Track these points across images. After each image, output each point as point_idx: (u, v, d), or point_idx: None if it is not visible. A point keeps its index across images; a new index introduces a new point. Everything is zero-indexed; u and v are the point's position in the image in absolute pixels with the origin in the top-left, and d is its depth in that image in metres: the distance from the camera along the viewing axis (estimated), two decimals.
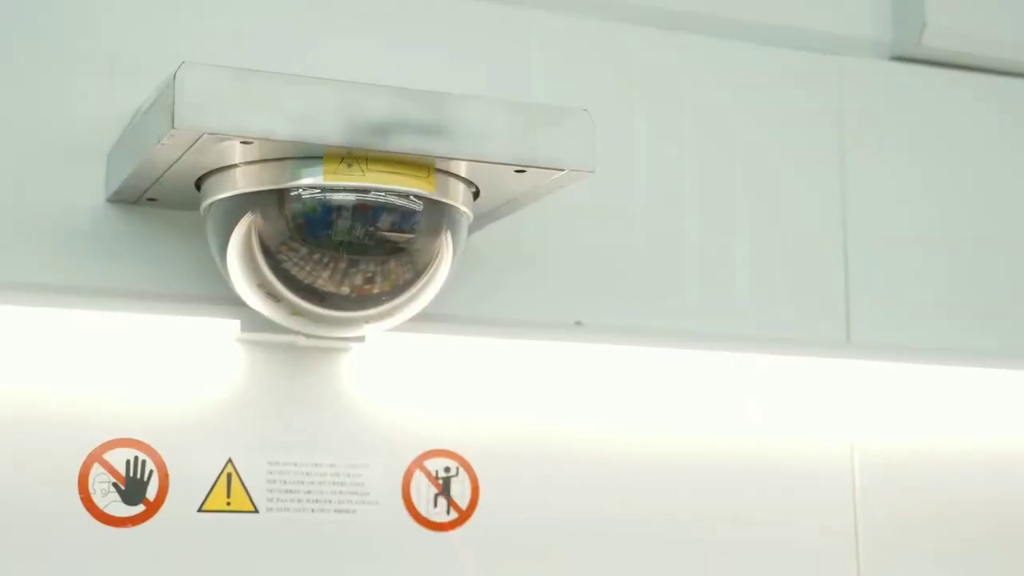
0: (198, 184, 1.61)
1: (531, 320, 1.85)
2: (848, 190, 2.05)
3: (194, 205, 1.63)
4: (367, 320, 1.66)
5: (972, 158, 2.13)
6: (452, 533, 1.78)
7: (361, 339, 1.75)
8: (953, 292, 2.07)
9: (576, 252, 1.90)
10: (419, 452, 1.79)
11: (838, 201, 2.04)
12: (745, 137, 2.02)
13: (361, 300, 1.61)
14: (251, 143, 1.47)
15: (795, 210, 2.02)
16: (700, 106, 2.00)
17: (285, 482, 1.72)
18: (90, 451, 1.65)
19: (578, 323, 1.88)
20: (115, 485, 1.65)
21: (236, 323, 1.69)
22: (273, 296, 1.61)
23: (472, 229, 1.80)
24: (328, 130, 1.47)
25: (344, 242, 1.56)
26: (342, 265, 1.57)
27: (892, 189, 2.07)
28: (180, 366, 1.71)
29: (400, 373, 1.80)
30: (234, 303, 1.66)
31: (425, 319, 1.74)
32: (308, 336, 1.72)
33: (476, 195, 1.66)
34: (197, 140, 1.44)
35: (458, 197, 1.61)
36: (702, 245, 1.96)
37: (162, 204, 1.69)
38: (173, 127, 1.41)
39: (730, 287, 1.96)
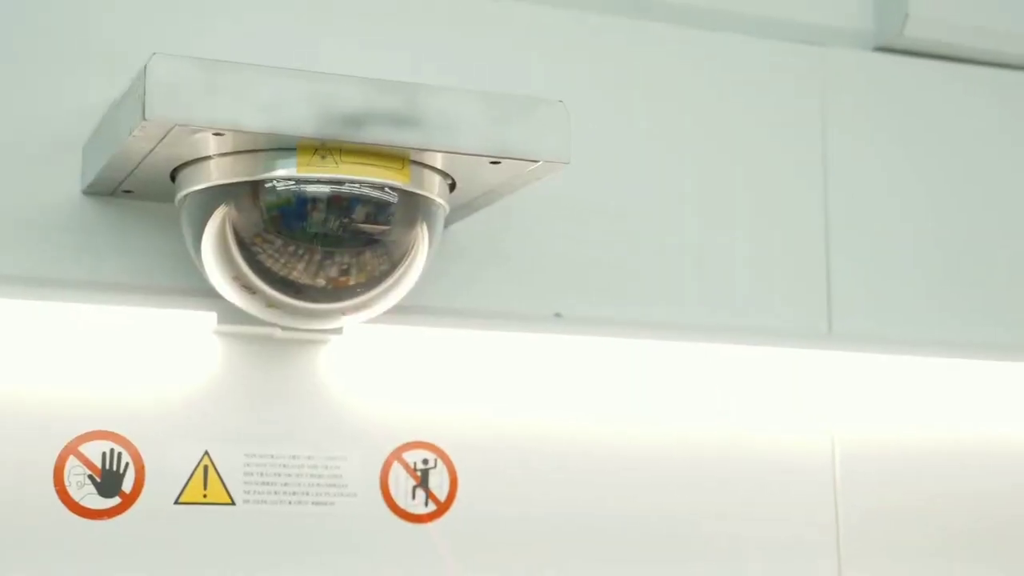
0: (173, 176, 1.61)
1: (510, 312, 1.85)
2: (831, 181, 2.04)
3: (170, 197, 1.63)
4: (344, 312, 1.65)
5: (956, 149, 2.12)
6: (430, 525, 1.78)
7: (339, 331, 1.75)
8: (935, 283, 2.06)
9: (555, 244, 1.89)
10: (397, 444, 1.79)
11: (820, 192, 2.03)
12: (727, 128, 2.01)
13: (337, 292, 1.61)
14: (223, 135, 1.47)
15: (777, 201, 2.02)
16: (682, 97, 2.00)
17: (262, 474, 1.72)
18: (66, 443, 1.64)
19: (557, 315, 1.88)
20: (91, 477, 1.65)
21: (213, 315, 1.69)
22: (248, 288, 1.61)
23: (450, 221, 1.80)
24: (300, 121, 1.46)
25: (319, 234, 1.56)
26: (317, 257, 1.57)
27: (875, 180, 2.07)
28: (156, 358, 1.70)
29: (378, 365, 1.80)
30: (210, 295, 1.65)
31: (404, 311, 1.74)
32: (285, 328, 1.72)
33: (452, 187, 1.66)
34: (168, 132, 1.44)
35: (433, 189, 1.61)
36: (682, 236, 1.96)
37: (138, 196, 1.68)
38: (144, 119, 1.40)
39: (710, 278, 1.96)
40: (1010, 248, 2.12)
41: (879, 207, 2.06)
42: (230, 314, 1.68)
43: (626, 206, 1.94)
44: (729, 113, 2.02)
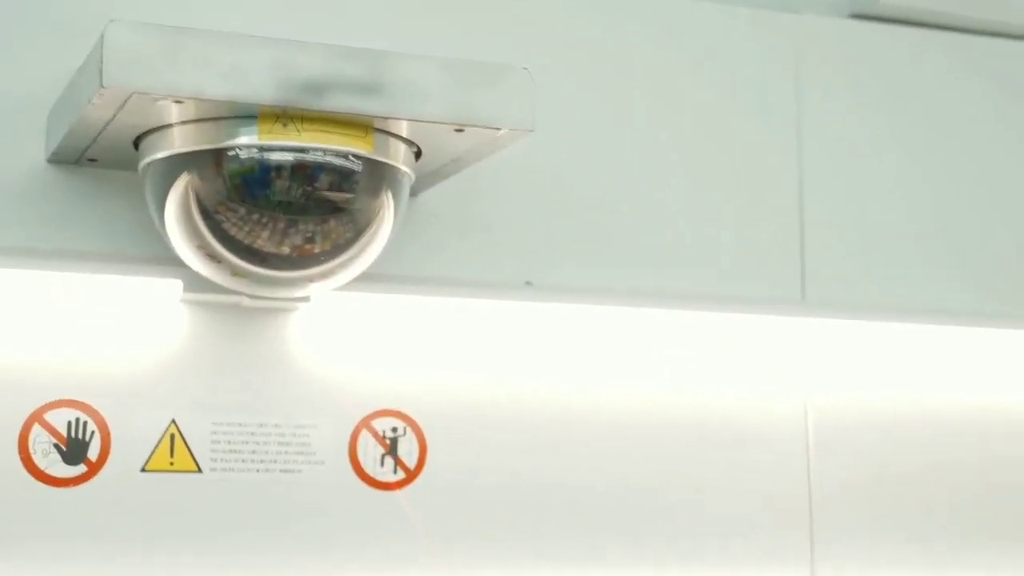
0: (137, 144, 1.60)
1: (480, 280, 1.85)
2: (805, 147, 2.03)
3: (134, 165, 1.62)
4: (310, 280, 1.65)
5: (930, 115, 2.11)
6: (399, 492, 1.78)
7: (306, 299, 1.74)
8: (909, 249, 2.06)
9: (526, 212, 1.89)
10: (366, 412, 1.79)
11: (795, 159, 2.03)
12: (702, 95, 2.00)
13: (302, 260, 1.61)
14: (184, 102, 1.46)
15: (751, 168, 2.01)
16: (655, 64, 1.99)
17: (229, 442, 1.72)
18: (31, 412, 1.64)
19: (528, 283, 1.87)
20: (56, 446, 1.65)
21: (178, 284, 1.68)
22: (213, 257, 1.60)
23: (419, 189, 1.79)
24: (261, 89, 1.45)
25: (283, 202, 1.55)
26: (281, 225, 1.57)
27: (849, 146, 2.06)
28: (122, 327, 1.70)
29: (347, 333, 1.80)
30: (176, 264, 1.65)
31: (373, 279, 1.74)
32: (252, 297, 1.72)
33: (418, 155, 1.65)
34: (127, 100, 1.43)
35: (398, 157, 1.60)
36: (655, 203, 1.95)
37: (103, 164, 1.68)
38: (102, 86, 1.39)
39: (683, 245, 1.95)
40: (984, 215, 2.11)
41: (853, 175, 2.06)
42: (196, 283, 1.67)
43: (598, 174, 1.93)
44: (703, 80, 2.01)
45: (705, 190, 1.98)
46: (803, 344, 2.01)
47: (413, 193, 1.80)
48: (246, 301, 1.73)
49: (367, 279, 1.72)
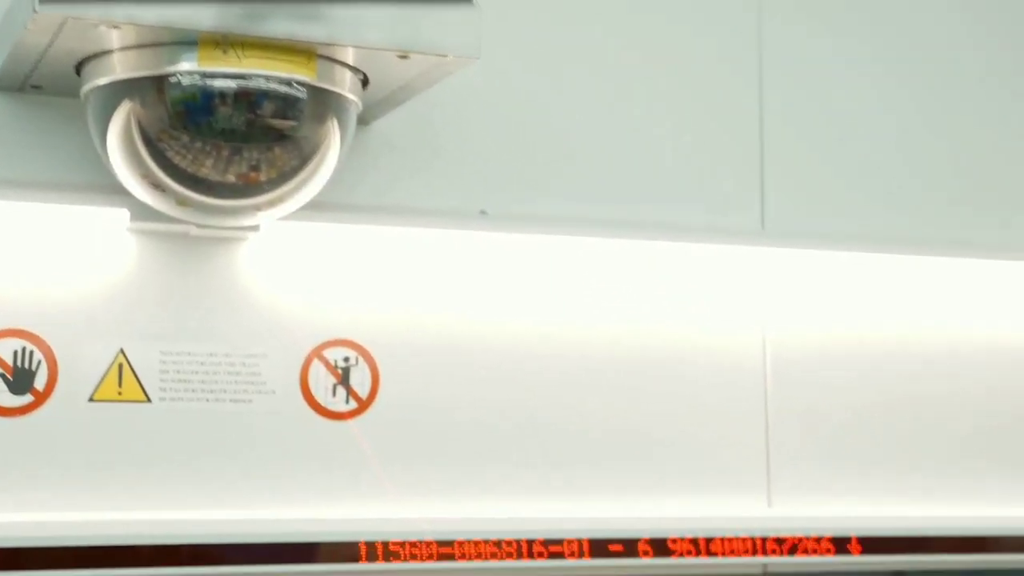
0: (80, 70, 1.58)
1: (435, 209, 1.83)
2: (765, 74, 2.01)
3: (79, 92, 1.60)
4: (257, 208, 1.64)
5: (893, 42, 2.08)
6: (351, 422, 1.78)
7: (256, 228, 1.73)
8: (870, 179, 2.04)
9: (482, 141, 1.87)
10: (318, 342, 1.78)
11: (755, 86, 2.01)
12: (658, 19, 1.97)
13: (248, 188, 1.59)
14: (122, 28, 1.44)
15: (710, 94, 1.99)
16: None
17: (179, 372, 1.71)
18: None
19: (483, 212, 1.86)
20: (2, 375, 1.64)
21: (125, 212, 1.67)
22: (158, 186, 1.59)
23: (371, 117, 1.78)
24: (198, 14, 1.44)
25: (226, 130, 1.54)
26: (226, 153, 1.55)
27: (810, 74, 2.04)
28: (69, 256, 1.69)
29: (299, 263, 1.78)
30: (123, 192, 1.63)
31: (324, 208, 1.73)
32: (200, 226, 1.70)
33: (366, 82, 1.63)
34: (62, 25, 1.41)
35: (343, 84, 1.58)
36: (613, 132, 1.93)
37: (47, 91, 1.66)
38: (34, 11, 1.38)
39: (640, 174, 1.94)
40: (948, 140, 2.09)
41: (815, 102, 2.03)
42: (143, 212, 1.66)
43: (555, 104, 1.91)
44: (661, 5, 1.98)
45: (663, 118, 1.96)
46: (762, 274, 2.00)
47: (365, 121, 1.78)
48: (194, 230, 1.71)
49: (318, 208, 1.71)
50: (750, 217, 1.99)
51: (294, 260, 1.78)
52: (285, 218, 1.69)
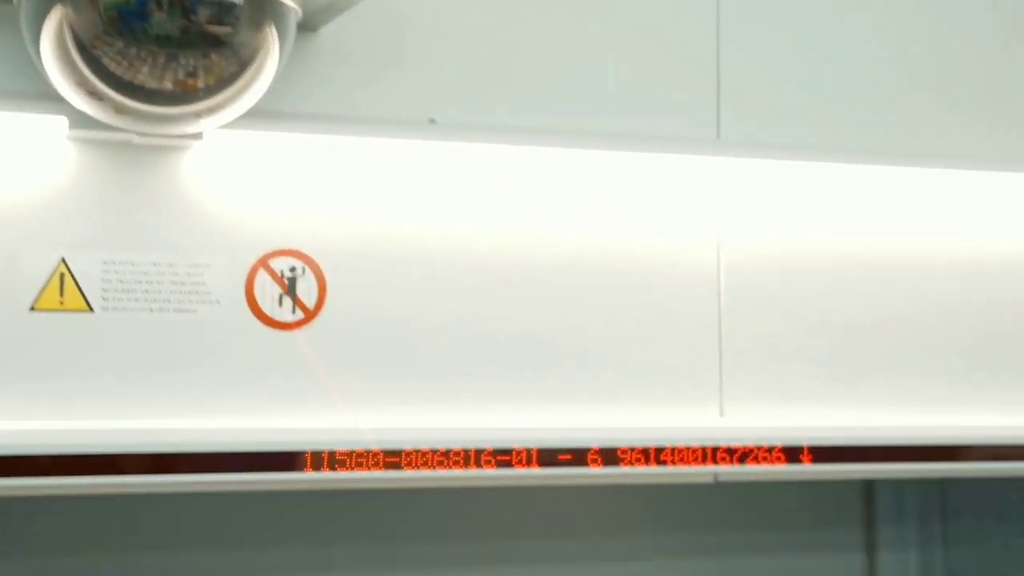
0: None
1: (382, 117, 1.81)
2: None
3: None
4: (197, 116, 1.62)
5: None
6: (297, 332, 1.77)
7: (198, 136, 1.71)
8: (825, 88, 2.02)
9: (431, 48, 1.85)
10: (263, 251, 1.76)
11: None
12: None
13: (186, 95, 1.58)
14: None
15: (665, 1, 1.96)
16: None
17: (121, 281, 1.70)
18: None
19: (431, 120, 1.84)
20: None
21: (63, 120, 1.65)
22: (94, 94, 1.57)
23: (318, 23, 1.75)
24: None
25: (161, 35, 1.52)
26: (161, 60, 1.54)
27: None
28: (7, 165, 1.67)
29: (244, 171, 1.77)
30: (61, 100, 1.61)
31: (269, 116, 1.71)
32: (141, 134, 1.69)
33: None
34: None
35: None
36: (567, 41, 1.91)
37: None
38: None
39: (594, 83, 1.91)
40: (903, 49, 2.07)
41: (770, 12, 2.01)
42: (83, 120, 1.64)
43: (507, 10, 1.88)
44: None
45: (618, 26, 1.93)
46: (717, 185, 1.98)
47: (312, 28, 1.76)
48: (136, 139, 1.70)
49: (263, 116, 1.69)
50: (705, 126, 1.97)
51: (239, 169, 1.76)
52: (229, 126, 1.68)
